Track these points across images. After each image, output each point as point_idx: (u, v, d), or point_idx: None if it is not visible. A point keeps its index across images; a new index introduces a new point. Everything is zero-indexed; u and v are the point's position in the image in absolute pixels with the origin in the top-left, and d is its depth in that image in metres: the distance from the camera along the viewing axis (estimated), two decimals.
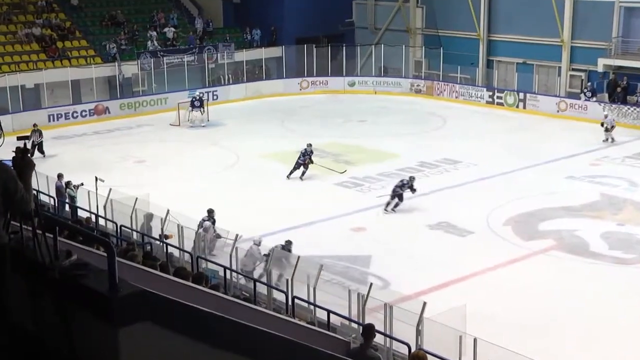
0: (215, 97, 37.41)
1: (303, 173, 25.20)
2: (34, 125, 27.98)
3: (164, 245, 16.24)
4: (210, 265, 15.76)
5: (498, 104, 36.35)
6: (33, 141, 26.68)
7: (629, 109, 31.91)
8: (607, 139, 29.13)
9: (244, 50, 40.25)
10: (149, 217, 17.96)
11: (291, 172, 25.11)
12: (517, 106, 35.66)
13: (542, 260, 18.39)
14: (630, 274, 17.64)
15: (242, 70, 40.03)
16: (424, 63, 40.93)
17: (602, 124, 29.40)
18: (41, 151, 27.50)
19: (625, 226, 20.38)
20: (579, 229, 20.12)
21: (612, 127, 29.27)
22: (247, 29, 41.79)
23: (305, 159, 25.21)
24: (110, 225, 17.79)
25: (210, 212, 18.58)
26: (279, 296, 14.29)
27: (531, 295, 16.38)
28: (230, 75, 39.85)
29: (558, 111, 34.10)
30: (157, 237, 17.03)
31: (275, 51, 41.04)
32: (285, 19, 41.83)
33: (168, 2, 42.13)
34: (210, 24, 41.33)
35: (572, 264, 18.10)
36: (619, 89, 33.01)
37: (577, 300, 16.14)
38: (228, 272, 14.97)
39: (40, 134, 27.80)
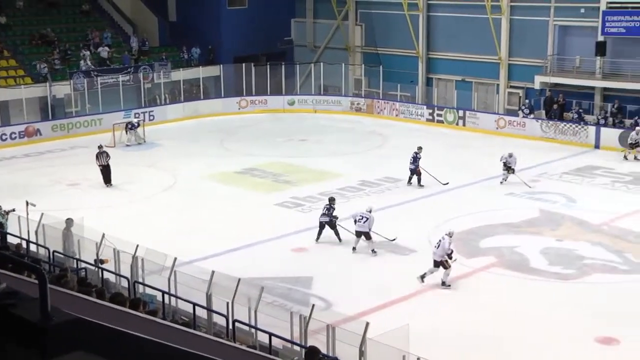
0: (151, 118, 36.79)
1: (418, 180, 25.86)
2: None
3: (100, 270, 15.69)
4: (148, 290, 15.27)
5: (438, 121, 36.60)
6: None
7: (565, 125, 32.41)
8: (504, 179, 25.92)
9: (181, 69, 39.76)
10: (69, 222, 17.46)
11: (409, 181, 25.97)
12: (457, 123, 35.96)
13: (483, 278, 18.37)
14: (570, 289, 17.72)
15: (180, 90, 39.51)
16: (363, 81, 41.05)
17: (504, 164, 25.91)
18: None
19: (563, 242, 20.53)
20: (519, 246, 20.19)
21: (512, 169, 25.71)
22: (184, 47, 41.34)
23: (416, 165, 25.73)
24: (42, 251, 17.14)
25: None
26: (219, 320, 13.89)
27: (474, 313, 16.31)
28: (167, 95, 39.29)
29: (497, 128, 34.48)
30: (92, 262, 16.45)
31: (213, 70, 40.67)
32: (223, 38, 41.54)
33: (102, 21, 41.43)
34: (146, 42, 40.74)
35: (513, 281, 18.10)
36: (555, 106, 33.54)
37: (519, 316, 16.11)
38: (167, 296, 14.55)
39: None
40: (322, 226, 20.77)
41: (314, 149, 31.94)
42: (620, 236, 20.87)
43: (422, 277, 17.72)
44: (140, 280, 15.66)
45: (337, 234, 20.65)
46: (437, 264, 17.67)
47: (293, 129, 35.90)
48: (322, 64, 41.23)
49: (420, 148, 26.17)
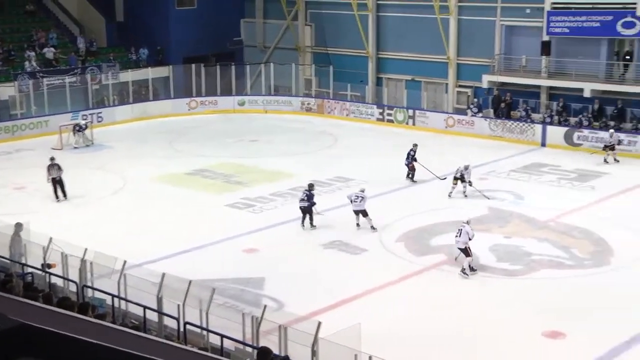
0: (99, 119, 36.29)
1: (412, 176, 26.13)
2: None
3: (47, 275, 15.42)
4: (98, 294, 15.06)
5: (388, 120, 36.85)
6: None
7: (512, 123, 32.91)
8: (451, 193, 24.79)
9: (130, 70, 39.30)
10: (19, 227, 17.13)
11: (411, 177, 26.17)
12: (407, 123, 36.24)
13: (434, 275, 18.55)
14: (518, 285, 17.99)
15: (128, 91, 39.06)
16: (314, 81, 41.13)
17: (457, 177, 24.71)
18: None
19: (512, 238, 20.84)
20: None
21: (469, 182, 24.66)
22: (132, 48, 40.88)
23: (409, 161, 26.11)
24: None
25: None
26: (171, 322, 13.78)
27: (426, 310, 16.47)
28: (115, 97, 38.80)
29: (446, 127, 34.84)
30: (39, 266, 16.16)
31: (162, 71, 40.30)
32: (172, 38, 41.22)
33: (47, 21, 40.75)
34: (94, 43, 40.19)
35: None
36: (503, 105, 34.04)
37: (469, 313, 16.32)
38: (116, 300, 14.39)
39: None
40: (303, 212, 21.65)
41: (264, 149, 31.87)
42: (566, 232, 21.28)
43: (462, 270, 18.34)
44: (89, 284, 15.44)
45: (311, 219, 21.65)
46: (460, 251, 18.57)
47: (244, 130, 35.77)
48: (272, 64, 41.18)
49: (415, 145, 26.73)
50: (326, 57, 41.05)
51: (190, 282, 14.03)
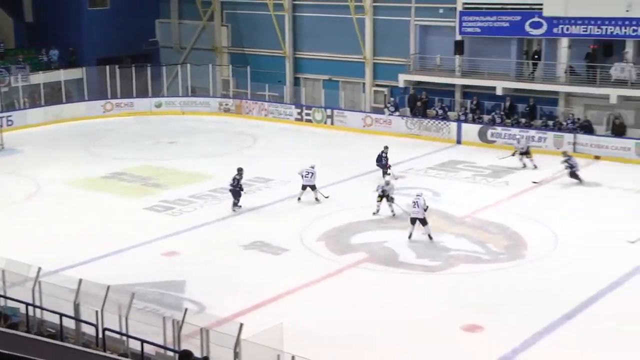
0: (10, 123, 35.09)
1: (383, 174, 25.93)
2: None
3: None
4: (10, 303, 14.59)
5: (307, 120, 36.95)
6: None
7: (428, 122, 33.46)
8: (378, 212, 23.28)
9: (41, 72, 38.19)
10: None
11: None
12: (325, 122, 36.42)
13: (355, 273, 18.70)
14: (437, 280, 18.32)
15: (40, 94, 37.94)
16: (231, 82, 40.90)
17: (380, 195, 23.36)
18: None
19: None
20: (388, 240, 20.69)
21: (391, 197, 23.26)
22: (42, 49, 39.78)
23: (380, 163, 26.33)
24: None
25: None
26: (89, 329, 13.47)
27: (347, 309, 16.58)
28: (26, 99, 37.63)
29: (364, 126, 35.17)
30: None
31: (76, 72, 39.27)
32: (84, 39, 40.31)
33: None
34: (1, 45, 38.93)
35: (383, 275, 18.54)
36: (419, 103, 34.58)
37: (392, 310, 16.52)
38: (31, 308, 13.97)
39: None
40: (235, 195, 23.28)
41: (183, 151, 31.51)
42: (482, 227, 21.77)
43: (410, 236, 20.57)
44: (1, 292, 14.95)
45: (237, 201, 23.39)
46: (414, 221, 20.66)
47: (161, 132, 35.29)
48: (189, 65, 40.73)
49: (386, 147, 26.84)
50: (243, 58, 40.91)
51: (108, 287, 13.75)
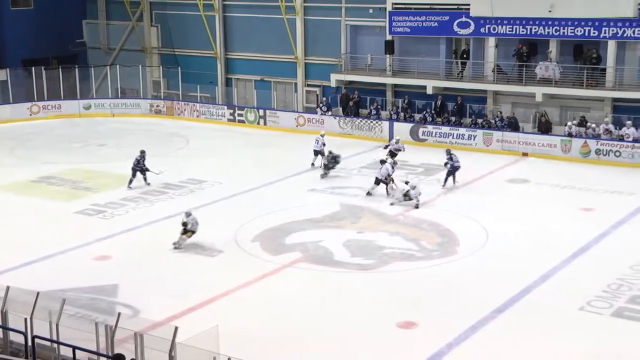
0: None
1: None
2: None
3: None
4: None
5: (239, 121, 36.80)
6: None
7: (361, 121, 33.70)
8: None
9: None
10: None
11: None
12: (258, 123, 36.34)
13: (291, 273, 18.70)
14: (373, 278, 18.46)
15: None
16: (162, 83, 40.48)
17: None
18: None
19: (364, 233, 21.36)
20: (323, 240, 20.76)
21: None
22: None
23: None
24: None
25: None
26: (17, 338, 13.14)
27: (283, 309, 16.58)
28: None
29: (297, 126, 35.21)
30: None
31: None
32: (7, 40, 39.36)
33: None
34: None
35: (319, 274, 18.58)
36: (351, 103, 34.80)
37: (327, 308, 16.58)
38: None
39: None
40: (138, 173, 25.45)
41: (114, 154, 30.99)
42: (415, 225, 22.03)
43: (368, 193, 23.79)
44: None
45: (144, 178, 25.69)
46: (377, 182, 23.75)
47: (91, 134, 34.66)
48: (118, 66, 40.14)
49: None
50: (174, 59, 40.50)
51: (38, 293, 13.43)
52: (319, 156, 28.16)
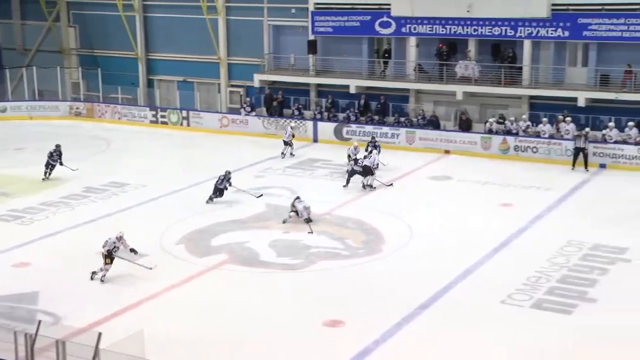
0: None
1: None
2: None
3: None
4: None
5: (162, 122, 36.37)
6: None
7: (285, 121, 33.71)
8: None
9: None
10: None
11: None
12: (181, 124, 35.98)
13: (217, 275, 18.57)
14: (299, 278, 18.50)
15: None
16: (82, 84, 39.66)
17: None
18: None
19: (290, 233, 21.38)
20: (249, 241, 20.69)
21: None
22: None
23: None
24: None
25: None
26: None
27: (210, 311, 16.45)
28: None
29: (221, 127, 35.01)
30: None
31: None
32: None
33: None
34: None
35: (245, 275, 18.51)
36: (275, 103, 34.79)
37: (254, 310, 16.51)
38: None
39: None
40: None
41: (32, 158, 30.11)
42: (341, 224, 22.17)
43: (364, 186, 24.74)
44: None
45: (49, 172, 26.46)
46: (361, 172, 25.16)
47: (7, 138, 33.68)
48: (34, 67, 39.14)
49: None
50: (93, 60, 39.77)
51: None
52: (288, 147, 29.91)
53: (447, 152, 30.35)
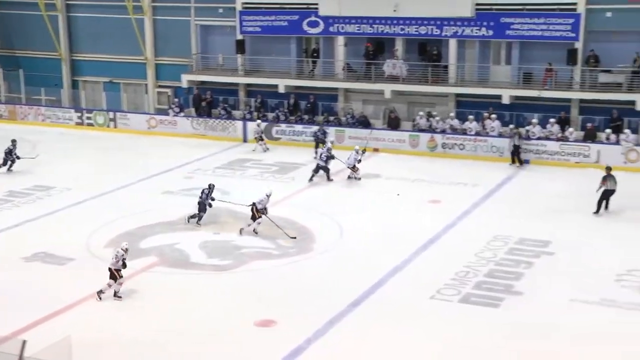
0: None
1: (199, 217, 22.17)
2: None
3: None
4: None
5: (88, 124, 35.71)
6: None
7: (214, 121, 33.50)
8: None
9: None
10: None
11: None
12: (108, 125, 35.39)
13: (147, 278, 18.32)
14: (230, 279, 18.41)
15: None
16: (2, 86, 38.62)
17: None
18: None
19: (220, 234, 21.26)
20: (179, 242, 20.50)
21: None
22: None
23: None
24: None
25: None
26: None
27: (139, 314, 16.25)
28: None
29: (149, 128, 34.57)
30: None
31: None
32: None
33: None
34: None
35: (175, 278, 18.33)
36: (204, 103, 34.53)
37: (185, 312, 16.36)
38: None
39: None
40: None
41: None
42: (272, 223, 22.10)
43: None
44: None
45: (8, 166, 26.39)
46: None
47: None
48: None
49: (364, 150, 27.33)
50: (15, 60, 38.79)
51: None
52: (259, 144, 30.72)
53: (375, 150, 30.62)
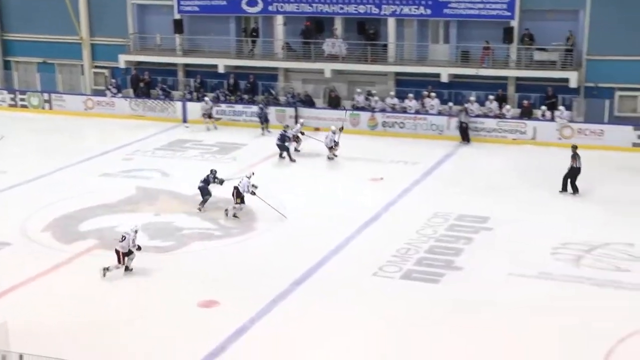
0: None
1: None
2: None
3: None
4: None
5: (22, 106, 34.88)
6: None
7: (153, 102, 33.05)
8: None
9: None
10: None
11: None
12: (43, 107, 34.63)
13: (86, 261, 18.07)
14: (172, 260, 18.25)
15: None
16: None
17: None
18: None
19: (161, 216, 21.07)
20: (119, 225, 20.20)
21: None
22: None
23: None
24: None
25: None
26: None
27: (79, 298, 16.01)
28: None
29: (86, 109, 33.94)
30: None
31: None
32: None
33: None
34: None
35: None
36: (142, 84, 34.01)
37: (124, 295, 16.21)
38: None
39: None
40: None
41: None
42: (213, 203, 21.96)
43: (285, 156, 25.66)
44: None
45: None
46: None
47: None
48: None
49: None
50: None
51: None
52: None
53: (316, 129, 30.57)
